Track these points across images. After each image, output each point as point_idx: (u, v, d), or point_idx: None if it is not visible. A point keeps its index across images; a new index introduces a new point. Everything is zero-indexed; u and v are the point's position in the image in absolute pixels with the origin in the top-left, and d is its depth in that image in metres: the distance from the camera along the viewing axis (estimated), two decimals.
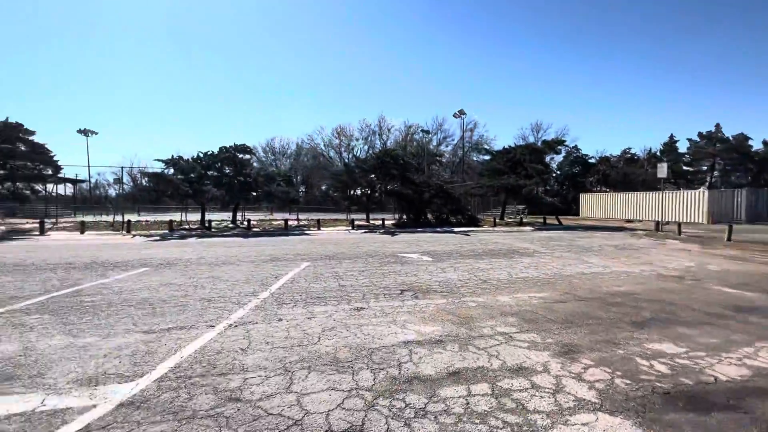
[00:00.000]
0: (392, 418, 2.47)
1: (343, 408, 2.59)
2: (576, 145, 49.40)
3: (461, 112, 41.47)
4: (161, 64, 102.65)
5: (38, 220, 20.86)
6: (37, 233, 18.71)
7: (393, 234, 18.77)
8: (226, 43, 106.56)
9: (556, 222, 25.79)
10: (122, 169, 32.62)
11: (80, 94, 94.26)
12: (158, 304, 5.34)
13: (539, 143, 36.97)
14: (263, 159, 69.35)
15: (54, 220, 23.78)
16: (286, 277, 7.38)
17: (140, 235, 18.29)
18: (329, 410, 2.56)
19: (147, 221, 25.34)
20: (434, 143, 69.27)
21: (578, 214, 38.15)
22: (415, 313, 4.93)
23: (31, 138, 19.48)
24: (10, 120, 18.53)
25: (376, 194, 26.05)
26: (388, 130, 71.19)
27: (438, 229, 21.45)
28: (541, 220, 26.25)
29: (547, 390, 2.87)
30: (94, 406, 2.64)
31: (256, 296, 5.81)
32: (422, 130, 56.39)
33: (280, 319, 4.63)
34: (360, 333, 4.14)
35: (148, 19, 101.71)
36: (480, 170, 36.18)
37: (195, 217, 26.33)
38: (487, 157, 38.13)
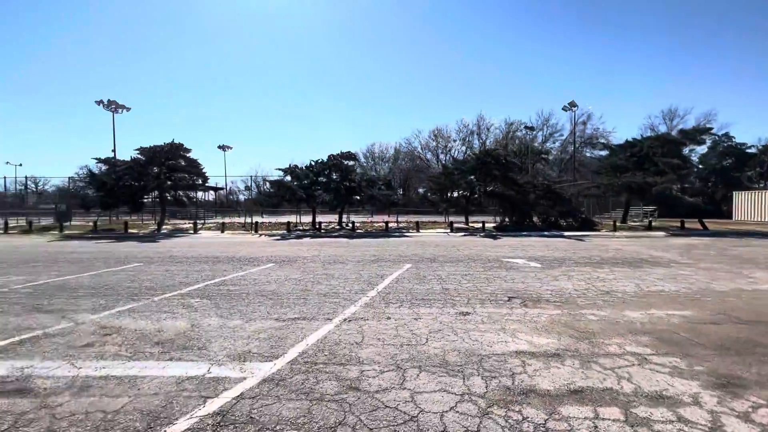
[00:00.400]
0: (509, 429, 2.40)
1: (457, 411, 2.61)
2: (727, 133, 40.08)
3: (572, 105, 37.61)
4: (280, 80, 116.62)
5: (192, 221, 25.69)
6: (192, 231, 23.01)
7: (495, 237, 17.99)
8: (329, 56, 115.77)
9: (700, 226, 21.46)
10: (250, 177, 38.29)
11: (218, 114, 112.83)
12: (284, 296, 6.10)
13: (674, 133, 31.30)
14: (364, 164, 73.31)
15: (203, 221, 29.00)
16: (391, 277, 7.70)
17: (265, 235, 21.07)
18: (443, 411, 2.61)
19: (270, 222, 29.04)
20: (539, 140, 64.22)
21: (731, 217, 31.14)
22: (526, 322, 4.67)
23: (188, 155, 24.25)
24: (175, 141, 23.37)
25: (476, 196, 25.27)
26: (488, 129, 68.51)
27: (545, 233, 19.81)
28: (677, 224, 22.13)
29: (700, 427, 2.44)
30: (245, 378, 3.16)
31: (365, 294, 6.21)
32: (525, 127, 52.75)
33: (389, 318, 4.86)
34: (468, 338, 4.10)
35: (256, 40, 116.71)
36: (595, 168, 32.20)
37: (307, 219, 29.20)
38: (604, 153, 33.85)
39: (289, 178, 24.22)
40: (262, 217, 32.84)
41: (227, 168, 75.60)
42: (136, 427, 2.45)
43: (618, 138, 52.36)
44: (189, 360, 3.56)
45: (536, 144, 61.14)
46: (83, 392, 2.94)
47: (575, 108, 37.99)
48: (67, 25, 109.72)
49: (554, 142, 65.29)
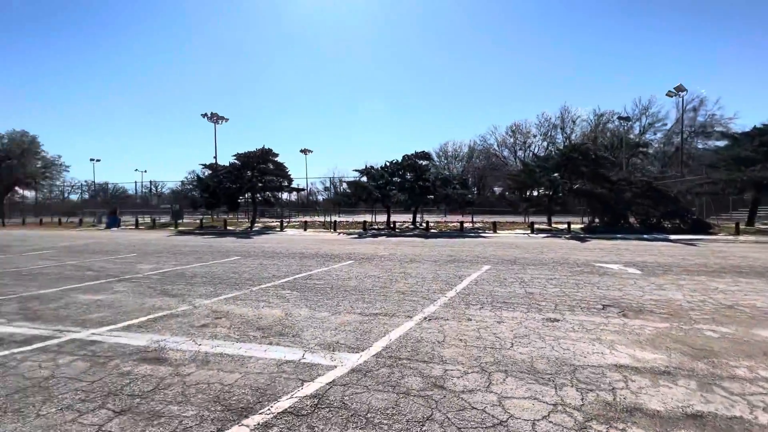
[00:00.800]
0: None
1: (550, 421, 2.49)
2: None
3: (678, 89, 32.80)
4: (354, 84, 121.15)
5: (278, 220, 28.06)
6: (278, 229, 25.11)
7: (582, 240, 16.51)
8: (404, 54, 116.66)
9: None
10: (329, 179, 40.57)
11: (301, 120, 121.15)
12: (365, 292, 6.36)
13: None
14: (437, 163, 72.64)
15: (288, 220, 31.47)
16: (469, 278, 7.55)
17: (343, 233, 22.11)
18: (534, 419, 2.51)
19: (346, 221, 30.40)
20: (635, 131, 57.21)
21: None
22: (626, 333, 4.23)
23: (276, 158, 26.54)
24: (265, 147, 25.81)
25: (560, 195, 23.42)
26: (573, 121, 63.07)
27: (644, 236, 17.59)
28: None
29: None
30: (335, 366, 3.39)
31: (443, 294, 6.18)
32: (619, 118, 47.39)
33: (470, 319, 4.79)
34: (557, 346, 3.85)
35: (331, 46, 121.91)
36: (710, 160, 27.58)
37: (381, 218, 29.93)
38: (722, 143, 28.96)
39: (365, 178, 25.08)
40: (339, 216, 34.48)
41: (308, 170, 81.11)
42: (248, 399, 2.79)
43: (741, 125, 44.22)
44: (285, 345, 3.93)
45: (632, 136, 54.53)
46: (204, 365, 3.42)
47: (683, 93, 33.10)
48: (179, 50, 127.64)
49: (655, 133, 57.69)
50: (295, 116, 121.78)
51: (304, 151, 54.27)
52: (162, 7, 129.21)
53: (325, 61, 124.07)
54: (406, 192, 23.45)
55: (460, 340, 4.05)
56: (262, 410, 2.63)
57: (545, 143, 64.49)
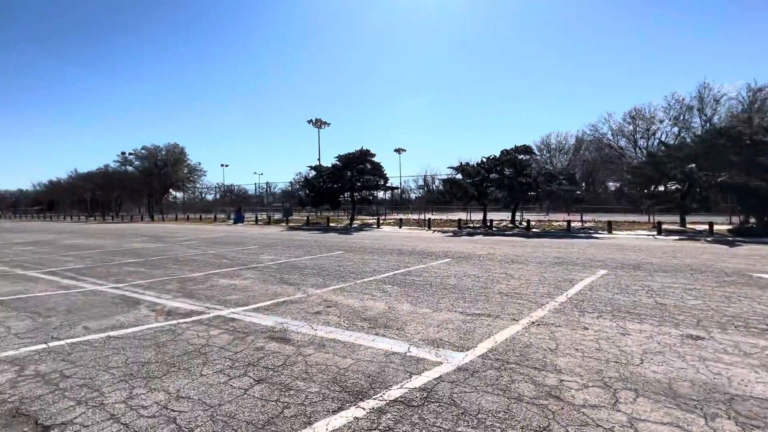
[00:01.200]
0: None
1: None
2: None
3: None
4: (448, 80, 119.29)
5: (375, 217, 29.30)
6: (375, 226, 26.20)
7: (731, 244, 13.57)
8: (497, 48, 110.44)
9: None
10: (423, 177, 40.90)
11: (395, 120, 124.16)
12: (465, 291, 6.25)
13: None
14: (538, 157, 67.31)
15: (383, 217, 32.63)
16: (582, 283, 6.84)
17: (437, 231, 22.05)
18: None
19: (440, 219, 30.23)
20: None
21: None
22: None
23: (372, 158, 27.77)
24: (363, 148, 27.26)
25: (697, 190, 19.56)
26: (715, 101, 52.19)
27: None
28: None
29: None
30: (440, 363, 3.42)
31: (552, 298, 5.73)
32: None
33: (586, 328, 4.34)
34: (704, 369, 3.25)
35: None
36: None
37: (476, 216, 29.00)
38: None
39: (459, 175, 24.56)
40: (432, 214, 34.43)
41: (401, 169, 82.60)
42: (362, 384, 2.99)
43: None
44: (391, 337, 4.10)
45: None
46: (321, 348, 3.78)
47: None
48: (288, 64, 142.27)
49: None
50: (391, 117, 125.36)
51: (398, 150, 55.59)
52: (270, 29, 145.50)
53: (419, 61, 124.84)
54: (505, 189, 22.26)
55: (576, 349, 3.71)
56: (375, 396, 2.80)
57: (675, 129, 54.63)
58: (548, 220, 26.38)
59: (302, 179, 33.82)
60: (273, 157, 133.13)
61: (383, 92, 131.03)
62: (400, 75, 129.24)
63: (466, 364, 3.39)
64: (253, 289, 6.64)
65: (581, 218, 24.72)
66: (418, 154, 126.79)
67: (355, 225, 27.82)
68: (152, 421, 2.48)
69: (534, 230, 20.98)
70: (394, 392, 2.85)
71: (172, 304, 5.63)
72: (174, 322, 4.71)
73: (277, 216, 38.56)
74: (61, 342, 4.01)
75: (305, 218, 33.61)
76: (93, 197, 59.72)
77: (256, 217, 36.02)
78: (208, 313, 5.08)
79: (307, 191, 29.61)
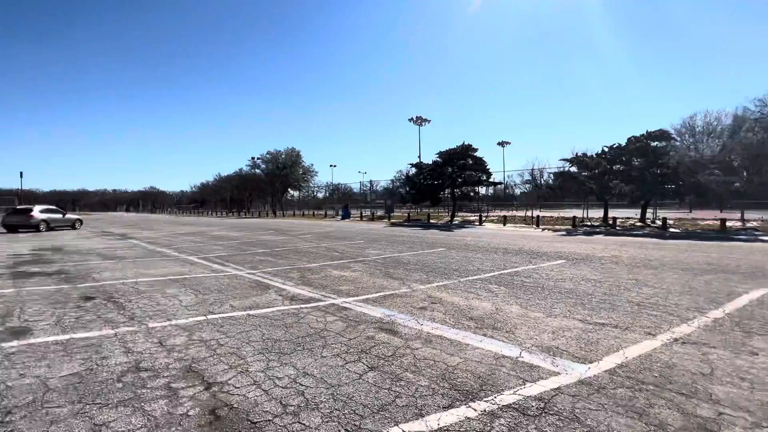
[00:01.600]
0: None
1: None
2: None
3: None
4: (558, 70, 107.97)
5: (476, 214, 28.34)
6: (477, 223, 25.36)
7: None
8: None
9: None
10: (530, 170, 37.91)
11: (496, 113, 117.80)
12: (584, 297, 5.61)
13: None
14: (677, 143, 56.33)
15: (486, 214, 31.38)
16: (747, 297, 5.52)
17: (548, 229, 20.27)
18: None
19: (550, 216, 27.71)
20: None
21: None
22: None
23: (474, 153, 26.87)
24: (465, 143, 26.56)
25: None
26: None
27: None
28: None
29: None
30: (558, 373, 3.14)
31: (702, 313, 4.76)
32: None
33: (755, 353, 3.49)
34: None
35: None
36: None
37: (594, 213, 25.72)
38: None
39: (574, 168, 22.10)
40: (540, 211, 31.75)
41: (505, 163, 78.09)
42: (471, 384, 2.94)
43: None
44: (500, 340, 3.92)
45: None
46: (428, 344, 3.82)
47: None
48: (392, 64, 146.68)
49: None
50: (494, 109, 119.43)
51: (502, 144, 52.69)
52: (372, 32, 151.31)
53: (524, 47, 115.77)
54: (633, 182, 19.24)
55: (740, 378, 3.02)
56: (486, 398, 2.72)
57: None
58: (692, 219, 21.92)
59: (403, 177, 34.71)
60: (376, 156, 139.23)
61: (485, 84, 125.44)
62: (503, 65, 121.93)
63: (590, 378, 3.04)
64: (362, 281, 7.06)
65: (742, 216, 19.89)
66: (524, 146, 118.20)
67: (456, 222, 27.35)
68: (285, 391, 2.85)
69: (672, 230, 17.70)
70: (507, 397, 2.73)
71: (295, 290, 6.35)
72: (297, 306, 5.31)
73: (380, 212, 40.27)
74: (216, 316, 4.87)
75: (406, 215, 34.36)
76: (231, 196, 71.10)
77: (361, 213, 38.23)
78: (324, 301, 5.59)
79: (408, 188, 30.20)
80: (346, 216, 37.11)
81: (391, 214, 36.15)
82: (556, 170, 24.79)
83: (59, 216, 23.72)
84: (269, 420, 2.47)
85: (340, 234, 18.72)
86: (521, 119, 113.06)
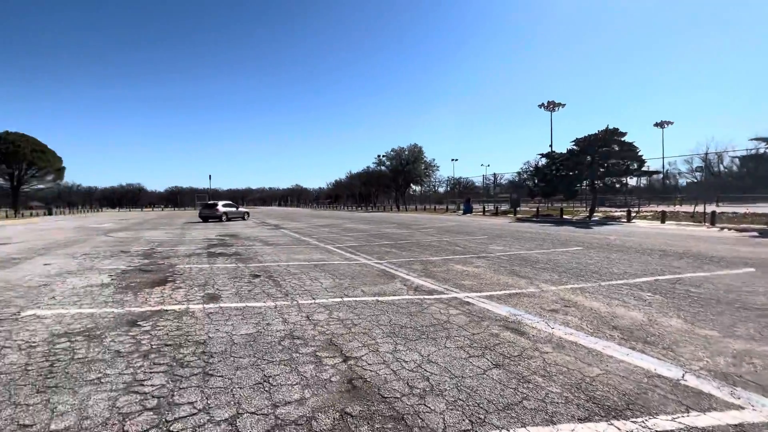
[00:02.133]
0: None
1: None
2: None
3: None
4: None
5: (623, 209, 24.23)
6: (624, 220, 21.73)
7: None
8: None
9: None
10: (704, 155, 30.14)
11: (656, 92, 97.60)
12: None
13: None
14: None
15: (636, 209, 26.60)
16: None
17: (731, 229, 16.07)
18: None
19: (733, 213, 21.82)
20: None
21: None
22: None
23: (622, 139, 22.94)
24: (609, 127, 22.90)
25: None
26: None
27: None
28: None
29: None
30: (741, 407, 2.52)
31: None
32: None
33: None
34: None
35: None
36: None
37: None
38: None
39: None
40: (717, 206, 25.20)
41: (664, 148, 64.15)
42: (614, 400, 2.61)
43: None
44: (653, 356, 3.34)
45: None
46: (560, 349, 3.52)
47: None
48: (516, 51, 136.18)
49: None
50: (646, 85, 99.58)
51: (660, 125, 43.66)
52: (492, 21, 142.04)
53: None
54: None
55: None
56: (635, 419, 2.38)
57: None
58: None
59: (531, 168, 31.99)
60: (499, 148, 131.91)
61: (639, 62, 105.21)
62: (658, 38, 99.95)
63: None
64: (485, 276, 6.88)
65: None
66: (691, 126, 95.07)
67: (596, 218, 23.94)
68: (411, 374, 3.03)
69: None
70: (663, 422, 2.34)
71: (418, 281, 6.60)
72: (420, 297, 5.52)
73: (504, 207, 38.13)
74: (350, 298, 5.45)
75: (534, 209, 31.70)
76: (359, 192, 77.33)
77: (483, 207, 36.88)
78: (447, 294, 5.66)
79: (536, 180, 27.77)
80: (467, 210, 36.35)
81: (518, 209, 33.86)
82: (744, 153, 19.26)
83: (234, 209, 29.71)
84: (397, 398, 2.67)
85: (461, 229, 18.49)
86: (687, 95, 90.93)
